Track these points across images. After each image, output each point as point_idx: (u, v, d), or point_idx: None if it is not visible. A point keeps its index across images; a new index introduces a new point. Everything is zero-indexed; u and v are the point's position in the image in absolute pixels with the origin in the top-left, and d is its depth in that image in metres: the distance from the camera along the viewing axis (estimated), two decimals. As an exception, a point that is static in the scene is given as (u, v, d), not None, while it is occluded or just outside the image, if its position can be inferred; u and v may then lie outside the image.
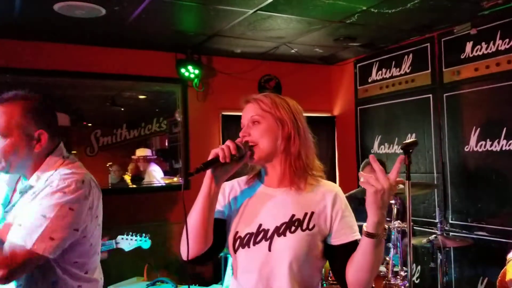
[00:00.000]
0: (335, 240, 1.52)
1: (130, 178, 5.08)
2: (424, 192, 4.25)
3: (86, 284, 1.71)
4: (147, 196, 4.88)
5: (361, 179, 1.41)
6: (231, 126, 5.20)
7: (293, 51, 4.93)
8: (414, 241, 3.43)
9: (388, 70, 4.97)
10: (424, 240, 3.32)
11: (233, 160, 1.46)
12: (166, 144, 5.56)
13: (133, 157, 5.17)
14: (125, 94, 5.12)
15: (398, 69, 4.86)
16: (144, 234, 3.20)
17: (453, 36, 4.23)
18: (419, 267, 4.51)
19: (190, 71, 4.78)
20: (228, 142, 1.48)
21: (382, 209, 1.38)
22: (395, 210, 3.13)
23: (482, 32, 3.97)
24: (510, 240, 3.75)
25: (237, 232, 1.54)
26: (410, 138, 4.64)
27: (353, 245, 1.49)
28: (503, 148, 3.81)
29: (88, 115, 4.78)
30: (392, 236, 3.16)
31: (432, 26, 4.26)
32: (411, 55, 4.70)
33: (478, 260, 4.01)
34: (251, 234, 1.52)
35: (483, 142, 3.98)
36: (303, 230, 1.49)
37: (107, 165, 4.96)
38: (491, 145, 3.91)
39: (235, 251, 1.54)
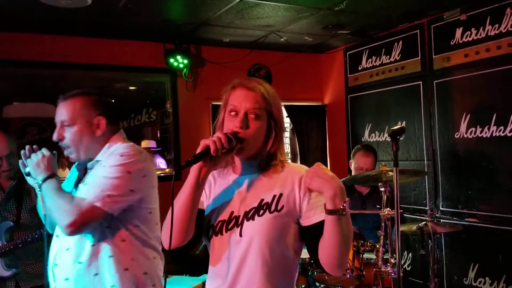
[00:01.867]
0: (305, 221, 1.51)
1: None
2: (414, 179, 4.26)
3: (150, 250, 1.90)
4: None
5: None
6: (221, 116, 5.18)
7: (282, 39, 4.89)
8: (404, 228, 3.43)
9: (378, 57, 4.95)
10: (414, 227, 3.32)
11: (223, 152, 1.45)
12: (158, 135, 5.54)
13: None
14: (115, 85, 5.09)
15: (388, 56, 4.83)
16: None
17: (442, 22, 4.21)
18: (410, 254, 4.52)
19: (179, 61, 4.75)
20: (219, 134, 1.46)
21: (330, 182, 1.41)
22: (385, 198, 3.12)
23: (472, 18, 3.95)
24: (500, 226, 3.76)
25: (209, 221, 1.57)
26: (400, 125, 4.63)
27: (323, 224, 1.47)
28: (494, 135, 3.81)
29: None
30: (382, 224, 3.16)
31: (422, 12, 4.23)
32: (400, 42, 4.68)
33: (469, 246, 4.03)
34: (223, 221, 1.53)
35: (473, 129, 3.98)
36: (271, 212, 1.49)
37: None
38: (481, 132, 3.91)
39: (209, 239, 1.56)
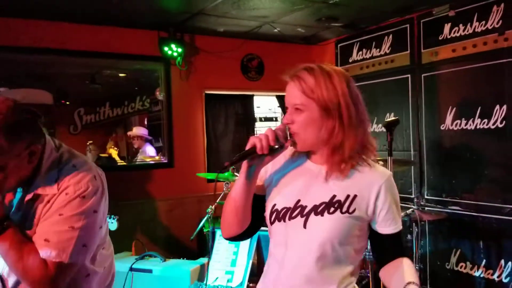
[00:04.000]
0: (379, 228, 1.49)
1: (117, 154, 5.12)
2: (402, 169, 4.42)
3: (106, 260, 1.77)
4: (133, 174, 4.91)
5: None
6: (214, 105, 5.27)
7: (275, 30, 4.97)
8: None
9: (369, 50, 5.07)
10: (402, 213, 3.48)
11: (271, 151, 1.42)
12: (145, 122, 5.59)
13: (129, 133, 5.21)
14: (107, 72, 5.10)
15: (378, 49, 4.96)
16: (113, 216, 3.20)
17: (431, 17, 4.35)
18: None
19: (173, 50, 4.79)
20: (267, 132, 1.42)
21: None
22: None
23: (460, 14, 4.09)
24: (481, 214, 3.95)
25: (274, 205, 1.52)
26: (390, 117, 4.79)
27: (391, 237, 1.48)
28: (478, 127, 3.98)
29: (71, 94, 4.75)
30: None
31: (412, 7, 4.36)
32: (391, 36, 4.81)
33: (452, 233, 4.21)
34: (287, 208, 1.48)
35: (459, 121, 4.14)
36: (342, 213, 1.43)
37: (87, 143, 4.97)
38: (466, 124, 4.08)
39: (271, 223, 1.52)
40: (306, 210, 1.45)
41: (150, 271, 3.07)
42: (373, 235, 1.52)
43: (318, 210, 1.44)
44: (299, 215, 1.46)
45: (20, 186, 1.58)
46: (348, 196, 1.44)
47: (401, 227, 1.51)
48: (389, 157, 2.29)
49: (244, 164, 1.45)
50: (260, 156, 1.42)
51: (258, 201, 1.55)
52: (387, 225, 1.47)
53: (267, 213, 1.54)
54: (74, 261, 1.52)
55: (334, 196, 1.44)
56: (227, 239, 1.57)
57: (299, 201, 1.47)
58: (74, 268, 1.53)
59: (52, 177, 1.56)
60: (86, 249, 1.56)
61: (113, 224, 3.19)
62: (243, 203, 1.49)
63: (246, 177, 1.46)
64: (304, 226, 1.44)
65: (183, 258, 3.39)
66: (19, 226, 1.54)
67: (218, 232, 3.09)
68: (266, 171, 1.60)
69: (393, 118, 2.35)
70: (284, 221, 1.48)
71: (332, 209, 1.43)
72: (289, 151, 1.58)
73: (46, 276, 1.46)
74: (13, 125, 1.44)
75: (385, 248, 1.51)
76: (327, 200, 1.44)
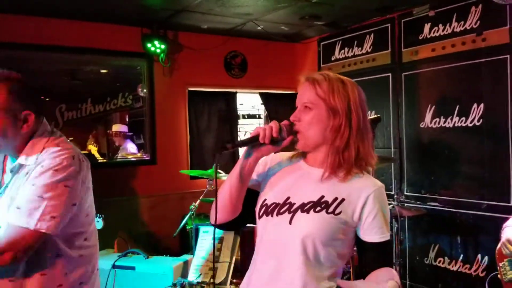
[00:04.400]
0: (364, 236, 1.49)
1: (97, 151, 5.09)
2: (382, 165, 4.49)
3: (85, 250, 1.78)
4: (116, 171, 4.89)
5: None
6: (198, 102, 5.27)
7: (259, 28, 5.00)
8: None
9: (351, 49, 5.14)
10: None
11: (272, 142, 1.47)
12: (127, 119, 5.57)
13: (109, 131, 5.18)
14: (90, 68, 5.06)
15: (360, 48, 5.03)
16: (98, 215, 3.19)
17: (412, 17, 4.43)
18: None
19: (157, 46, 4.78)
20: (272, 123, 1.47)
21: None
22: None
23: (440, 14, 4.18)
24: (459, 210, 4.05)
25: (265, 200, 1.57)
26: (371, 115, 4.86)
27: (377, 246, 1.48)
28: (456, 125, 4.07)
29: (53, 90, 4.70)
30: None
31: (393, 7, 4.43)
32: (372, 35, 4.88)
33: (431, 229, 4.31)
34: (277, 204, 1.53)
35: (438, 119, 4.23)
36: (327, 213, 1.46)
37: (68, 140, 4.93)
38: (444, 122, 4.17)
39: (260, 217, 1.56)
40: (294, 207, 1.49)
41: (133, 268, 3.07)
42: (359, 244, 1.51)
43: (305, 208, 1.48)
44: (287, 211, 1.49)
45: (14, 152, 1.71)
46: (336, 198, 1.47)
47: (388, 238, 1.49)
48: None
49: (244, 151, 1.52)
50: (261, 144, 1.48)
51: (251, 195, 1.59)
52: (372, 233, 1.47)
53: (257, 207, 1.58)
54: (39, 229, 1.56)
55: (323, 196, 1.48)
56: (215, 225, 1.57)
57: (288, 198, 1.52)
58: (40, 237, 1.57)
59: (35, 151, 1.68)
60: (55, 221, 1.58)
61: (98, 223, 3.19)
62: (237, 191, 1.54)
63: (241, 166, 1.52)
64: (290, 223, 1.47)
65: (166, 255, 3.40)
66: (8, 192, 1.67)
67: (202, 229, 3.10)
68: (264, 167, 1.65)
69: (375, 115, 2.40)
70: (272, 216, 1.52)
71: (318, 208, 1.46)
72: (288, 155, 1.64)
73: (11, 240, 1.54)
74: (16, 89, 1.65)
75: (369, 257, 1.49)
76: (315, 199, 1.48)
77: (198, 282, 2.82)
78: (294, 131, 1.50)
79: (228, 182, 1.55)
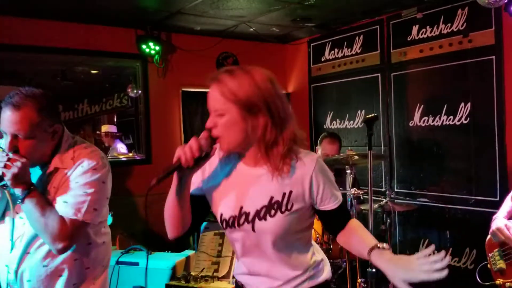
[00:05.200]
0: (321, 207, 1.58)
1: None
2: (374, 162, 4.62)
3: (106, 237, 2.04)
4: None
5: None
6: (191, 102, 5.34)
7: (251, 29, 5.09)
8: (364, 207, 3.77)
9: (340, 50, 5.26)
10: (376, 205, 3.67)
11: (197, 161, 1.44)
12: (115, 119, 5.61)
13: (98, 132, 5.19)
14: (84, 69, 5.08)
15: (349, 49, 5.16)
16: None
17: (400, 19, 4.57)
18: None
19: (151, 47, 4.83)
20: (191, 142, 1.43)
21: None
22: (351, 179, 3.45)
23: (427, 17, 4.32)
24: (447, 205, 4.20)
25: (222, 214, 1.59)
26: (360, 114, 5.01)
27: (336, 211, 1.58)
28: (444, 123, 4.23)
29: (48, 90, 4.71)
30: (348, 202, 3.48)
31: (382, 9, 4.57)
32: (361, 36, 5.01)
33: (420, 224, 4.46)
34: (234, 216, 1.56)
35: (426, 118, 4.38)
36: (282, 212, 1.52)
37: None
38: (433, 121, 4.32)
39: (225, 229, 1.62)
40: (250, 216, 1.54)
41: (136, 264, 3.14)
42: (320, 213, 1.61)
43: (260, 215, 1.53)
44: (246, 222, 1.55)
45: (42, 161, 1.89)
46: (284, 194, 1.52)
47: (341, 199, 1.60)
48: (369, 151, 2.46)
49: (175, 176, 1.48)
50: (186, 168, 1.44)
51: (197, 201, 1.60)
52: (328, 203, 1.56)
53: (218, 220, 1.62)
54: (86, 220, 1.82)
55: (272, 197, 1.52)
56: (172, 239, 1.62)
57: (242, 207, 1.55)
58: (85, 226, 1.85)
59: (69, 154, 1.90)
60: (96, 213, 1.86)
61: (109, 219, 3.25)
62: (180, 210, 1.53)
63: (176, 189, 1.50)
64: (254, 230, 1.54)
65: (169, 251, 3.47)
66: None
67: (203, 225, 3.18)
68: (203, 172, 1.63)
69: (373, 114, 2.52)
70: (235, 227, 1.57)
71: (273, 212, 1.52)
72: (220, 153, 1.62)
73: (64, 230, 1.78)
74: (45, 106, 1.81)
75: (333, 221, 1.61)
76: (266, 203, 1.53)
77: (202, 276, 2.91)
78: (214, 138, 1.47)
79: (169, 205, 1.54)
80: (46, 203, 1.80)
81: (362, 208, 3.78)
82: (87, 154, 1.88)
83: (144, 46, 4.81)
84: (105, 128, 5.56)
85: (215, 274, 2.91)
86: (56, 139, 1.89)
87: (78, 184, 1.83)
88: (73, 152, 1.90)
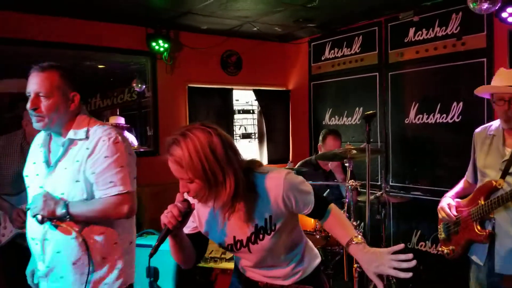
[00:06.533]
0: (300, 213, 1.79)
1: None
2: (371, 157, 4.83)
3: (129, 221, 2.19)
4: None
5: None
6: (197, 98, 5.57)
7: (255, 29, 5.31)
8: (361, 198, 3.99)
9: (340, 49, 5.49)
10: (372, 196, 3.89)
11: (182, 220, 1.59)
12: (118, 113, 5.79)
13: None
14: (92, 64, 5.25)
15: (349, 49, 5.38)
16: None
17: (398, 22, 4.79)
18: (362, 223, 5.13)
19: (160, 45, 5.04)
20: (171, 209, 1.57)
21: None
22: (349, 172, 3.66)
23: (423, 20, 4.55)
24: (439, 198, 4.38)
25: (220, 244, 1.81)
26: (358, 112, 5.24)
27: (314, 208, 1.77)
28: (437, 121, 4.46)
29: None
30: (346, 194, 3.70)
31: (380, 12, 4.79)
32: (361, 37, 5.23)
33: (413, 216, 4.69)
34: (231, 244, 1.78)
35: (421, 116, 4.61)
36: (269, 234, 1.70)
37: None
38: (427, 118, 4.55)
39: (227, 250, 1.86)
40: (244, 242, 1.75)
41: (151, 246, 3.34)
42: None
43: (251, 240, 1.73)
44: (242, 247, 1.76)
45: (60, 130, 2.06)
46: (265, 219, 1.69)
47: (313, 200, 1.75)
48: (368, 144, 2.70)
49: (169, 237, 1.63)
50: (175, 229, 1.59)
51: (195, 238, 1.79)
52: (303, 209, 1.75)
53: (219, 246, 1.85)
54: (134, 189, 2.04)
55: (257, 225, 1.70)
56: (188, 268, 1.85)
57: (235, 237, 1.76)
58: (135, 195, 2.05)
59: (82, 126, 2.06)
60: (135, 180, 2.07)
61: None
62: (183, 252, 1.72)
63: (174, 241, 1.66)
64: (250, 252, 1.77)
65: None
66: (60, 163, 2.04)
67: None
68: (194, 219, 1.79)
69: (371, 111, 2.75)
70: (235, 251, 1.80)
71: (261, 236, 1.71)
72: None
73: (126, 205, 2.01)
74: (66, 73, 2.03)
75: (314, 215, 1.80)
76: (253, 230, 1.71)
77: (211, 257, 3.14)
78: (189, 203, 1.60)
79: (172, 251, 1.71)
80: (88, 204, 1.99)
81: (359, 199, 4.02)
82: (103, 129, 2.05)
83: (153, 44, 5.01)
84: (113, 119, 5.71)
85: (222, 256, 3.14)
86: (74, 108, 2.04)
87: (110, 161, 1.99)
88: (87, 124, 2.06)
